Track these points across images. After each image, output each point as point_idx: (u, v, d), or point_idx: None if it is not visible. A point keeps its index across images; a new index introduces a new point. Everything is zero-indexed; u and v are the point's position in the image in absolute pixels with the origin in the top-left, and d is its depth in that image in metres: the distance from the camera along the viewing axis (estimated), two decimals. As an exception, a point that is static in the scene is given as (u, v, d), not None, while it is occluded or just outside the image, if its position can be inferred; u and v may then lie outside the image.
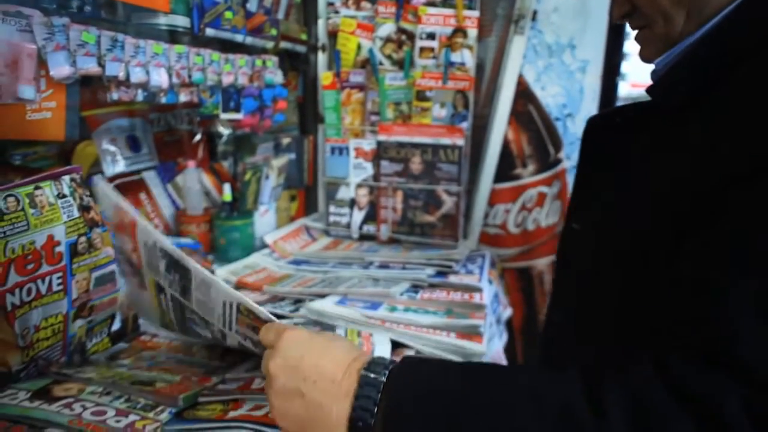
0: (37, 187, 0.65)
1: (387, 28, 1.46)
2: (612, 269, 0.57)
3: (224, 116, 1.19)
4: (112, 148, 1.23)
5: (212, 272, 1.16)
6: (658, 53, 0.60)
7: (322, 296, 1.06)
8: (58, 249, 0.67)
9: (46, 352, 0.71)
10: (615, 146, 0.63)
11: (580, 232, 0.68)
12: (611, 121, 0.68)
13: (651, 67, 0.63)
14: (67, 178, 0.71)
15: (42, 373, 0.72)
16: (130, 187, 1.29)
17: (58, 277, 0.68)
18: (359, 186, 1.51)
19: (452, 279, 1.18)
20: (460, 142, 1.39)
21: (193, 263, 0.64)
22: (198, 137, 1.43)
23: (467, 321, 0.92)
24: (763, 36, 0.49)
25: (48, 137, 0.78)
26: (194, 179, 1.33)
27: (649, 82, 0.62)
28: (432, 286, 1.14)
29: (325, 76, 1.52)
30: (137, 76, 0.89)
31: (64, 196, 0.70)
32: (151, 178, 1.35)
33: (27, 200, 0.63)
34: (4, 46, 0.67)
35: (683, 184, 0.48)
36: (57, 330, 0.71)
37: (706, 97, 0.51)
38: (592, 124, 0.72)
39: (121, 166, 1.25)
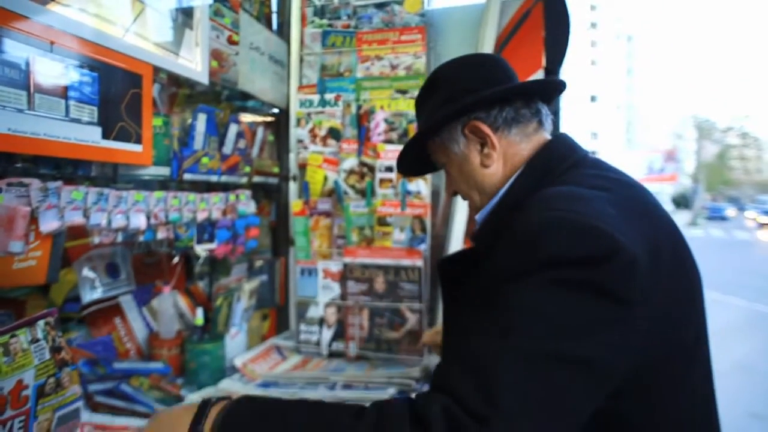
0: (12, 336, 0.73)
1: (350, 162, 1.65)
2: None
3: (198, 248, 1.30)
4: (92, 275, 1.32)
5: (181, 397, 1.19)
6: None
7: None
8: (24, 393, 0.73)
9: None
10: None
11: None
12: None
13: None
14: (42, 322, 0.79)
15: None
16: (105, 312, 1.35)
17: (20, 421, 0.73)
18: (328, 305, 1.59)
19: (413, 398, 1.22)
20: (419, 263, 1.51)
21: None
22: (176, 259, 1.52)
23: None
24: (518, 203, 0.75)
25: (30, 282, 0.86)
26: (169, 304, 1.40)
27: None
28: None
29: (295, 204, 1.67)
30: (118, 222, 1.00)
31: (38, 340, 0.77)
32: (127, 302, 1.41)
33: (1, 350, 0.70)
34: (2, 209, 0.78)
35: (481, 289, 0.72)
36: (13, 473, 0.74)
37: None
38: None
39: (98, 293, 1.31)
